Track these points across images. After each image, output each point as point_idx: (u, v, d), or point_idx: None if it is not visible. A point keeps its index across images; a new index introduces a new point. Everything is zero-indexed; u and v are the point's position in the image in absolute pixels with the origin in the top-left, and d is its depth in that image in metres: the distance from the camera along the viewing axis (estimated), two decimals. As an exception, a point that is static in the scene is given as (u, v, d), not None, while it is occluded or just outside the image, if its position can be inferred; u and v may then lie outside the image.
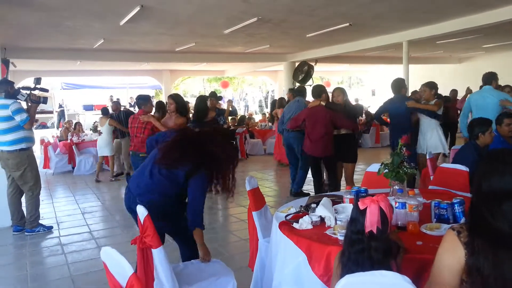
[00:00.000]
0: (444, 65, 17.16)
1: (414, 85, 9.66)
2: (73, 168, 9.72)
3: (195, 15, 7.15)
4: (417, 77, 11.03)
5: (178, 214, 2.85)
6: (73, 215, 6.16)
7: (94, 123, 10.42)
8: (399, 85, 6.05)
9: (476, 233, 1.47)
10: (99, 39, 9.31)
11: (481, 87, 6.21)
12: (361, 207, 1.75)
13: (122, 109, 9.28)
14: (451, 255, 1.50)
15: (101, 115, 8.68)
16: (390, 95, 6.25)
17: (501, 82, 8.39)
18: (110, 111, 9.02)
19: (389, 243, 1.75)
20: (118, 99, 9.57)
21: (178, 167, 2.69)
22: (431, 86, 6.04)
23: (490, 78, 5.77)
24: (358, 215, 1.76)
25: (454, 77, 15.96)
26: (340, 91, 5.89)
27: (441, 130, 5.91)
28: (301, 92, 6.94)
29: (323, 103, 5.60)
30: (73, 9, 6.45)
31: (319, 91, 5.81)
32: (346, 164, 5.82)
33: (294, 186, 6.55)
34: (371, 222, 1.71)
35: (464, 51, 14.46)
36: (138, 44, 10.39)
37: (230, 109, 8.99)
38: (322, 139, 5.48)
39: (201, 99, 7.04)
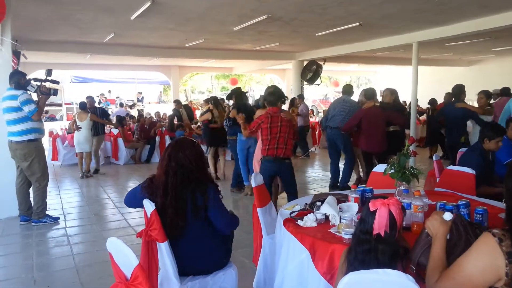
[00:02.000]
0: (454, 67, 17.03)
1: (422, 87, 9.62)
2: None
3: (206, 11, 7.16)
4: (426, 79, 10.96)
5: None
6: (80, 206, 6.23)
7: (74, 116, 10.07)
8: (459, 91, 6.64)
9: None
10: (109, 33, 9.35)
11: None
12: (372, 208, 1.75)
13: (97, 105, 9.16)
14: (488, 261, 1.45)
15: (79, 110, 8.57)
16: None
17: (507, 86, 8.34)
18: None
19: (396, 247, 1.75)
20: (90, 96, 9.15)
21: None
22: (487, 94, 6.76)
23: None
24: (367, 216, 1.76)
25: (463, 80, 15.68)
26: (388, 91, 6.56)
27: None
28: (348, 91, 7.15)
29: (377, 104, 6.33)
30: (84, 2, 6.48)
31: (372, 93, 6.51)
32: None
33: (341, 181, 6.90)
34: (379, 225, 1.71)
35: (473, 54, 14.34)
36: (148, 39, 10.42)
37: None
38: (379, 136, 6.03)
39: (243, 93, 6.93)
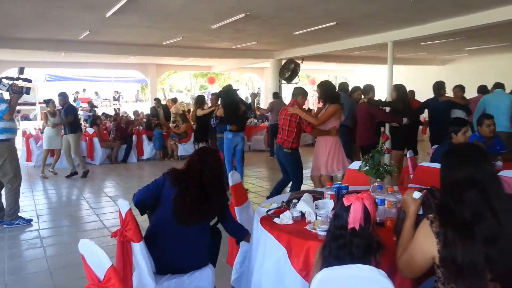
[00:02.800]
0: (428, 66, 17.39)
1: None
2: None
3: (183, 9, 7.09)
4: (402, 78, 11.15)
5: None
6: (53, 208, 6.09)
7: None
8: (439, 86, 7.00)
9: (446, 224, 1.59)
10: (84, 31, 9.16)
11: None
12: (346, 203, 1.78)
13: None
14: (424, 242, 1.64)
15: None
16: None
17: (484, 84, 8.59)
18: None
19: (370, 240, 1.78)
20: (63, 92, 8.57)
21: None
22: (462, 88, 7.29)
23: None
24: (342, 211, 1.80)
25: (437, 78, 16.07)
26: (393, 88, 6.72)
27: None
28: (345, 88, 7.31)
29: (365, 100, 6.56)
30: (58, -1, 6.35)
31: (368, 89, 6.76)
32: (394, 151, 6.40)
33: None
34: (354, 219, 1.74)
35: (447, 53, 14.67)
36: (124, 37, 10.27)
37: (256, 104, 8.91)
38: (362, 130, 6.18)
39: (231, 91, 6.89)
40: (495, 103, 6.83)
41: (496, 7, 7.18)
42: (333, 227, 1.82)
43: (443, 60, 17.21)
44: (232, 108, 6.48)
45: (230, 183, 3.14)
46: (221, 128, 6.74)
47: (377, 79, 17.74)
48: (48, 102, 8.43)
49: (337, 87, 6.83)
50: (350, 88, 7.51)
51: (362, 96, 6.82)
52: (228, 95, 6.76)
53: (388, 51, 9.64)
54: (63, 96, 8.39)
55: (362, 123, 6.26)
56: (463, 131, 3.94)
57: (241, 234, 2.87)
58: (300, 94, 5.26)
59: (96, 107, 16.19)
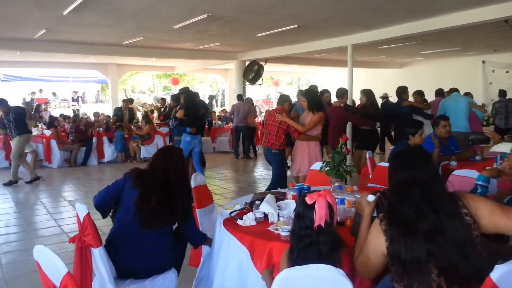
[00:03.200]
0: (386, 69, 17.97)
1: (358, 88, 10.05)
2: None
3: (143, 8, 6.97)
4: (361, 80, 11.48)
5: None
6: (9, 213, 5.83)
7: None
8: (401, 91, 7.31)
9: (391, 222, 1.68)
10: (40, 29, 8.83)
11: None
12: (309, 202, 1.79)
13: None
14: (374, 240, 1.72)
15: None
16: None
17: (438, 87, 8.97)
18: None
19: (335, 236, 1.82)
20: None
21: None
22: (420, 93, 7.55)
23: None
24: (305, 211, 1.80)
25: (395, 81, 16.65)
26: (361, 93, 6.90)
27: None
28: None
29: (341, 104, 6.79)
30: (11, -5, 6.09)
31: (342, 93, 6.99)
32: (358, 151, 6.86)
33: None
34: (320, 216, 1.76)
35: (404, 56, 15.21)
36: (83, 36, 9.97)
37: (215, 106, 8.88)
38: (334, 132, 6.42)
39: (193, 94, 6.91)
40: (454, 105, 7.16)
41: (446, 13, 7.55)
42: (298, 228, 1.83)
43: (401, 63, 17.83)
44: (193, 110, 6.48)
45: (193, 185, 3.12)
46: (179, 130, 6.68)
47: (338, 81, 18.16)
48: None
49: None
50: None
51: (336, 100, 7.03)
52: (189, 96, 6.73)
53: (348, 54, 9.89)
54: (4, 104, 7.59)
55: (334, 125, 6.54)
56: (419, 132, 4.14)
57: (199, 241, 2.81)
58: (286, 101, 5.60)
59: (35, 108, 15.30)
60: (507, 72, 14.01)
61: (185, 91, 7.08)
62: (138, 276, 2.46)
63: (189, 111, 6.46)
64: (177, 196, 2.52)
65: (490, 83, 14.59)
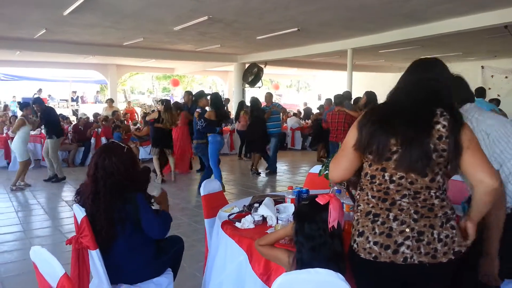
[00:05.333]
0: (386, 73, 18.00)
1: (357, 92, 10.08)
2: (9, 164, 9.16)
3: (143, 9, 6.98)
4: (360, 84, 11.52)
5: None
6: (6, 213, 5.81)
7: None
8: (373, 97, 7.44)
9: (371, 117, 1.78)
10: (40, 29, 8.83)
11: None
12: (322, 202, 1.78)
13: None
14: (349, 136, 1.83)
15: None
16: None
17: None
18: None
19: (341, 237, 1.83)
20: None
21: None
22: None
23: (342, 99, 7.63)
24: (315, 212, 1.78)
25: (394, 85, 16.76)
26: (364, 94, 7.20)
27: None
28: (348, 96, 8.37)
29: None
30: (11, -5, 6.10)
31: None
32: None
33: None
34: (334, 218, 1.75)
35: (404, 61, 15.24)
36: (83, 36, 9.97)
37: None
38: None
39: (220, 97, 7.12)
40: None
41: (442, 19, 7.58)
42: (309, 229, 1.79)
43: (400, 67, 17.84)
44: (223, 112, 6.82)
45: (202, 193, 3.06)
46: (201, 133, 6.63)
47: (338, 84, 18.19)
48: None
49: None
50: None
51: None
52: (219, 99, 6.90)
53: (347, 58, 9.90)
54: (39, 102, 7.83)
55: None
56: None
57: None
58: (345, 99, 7.03)
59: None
60: (506, 77, 14.05)
61: (201, 95, 7.18)
62: (130, 282, 2.42)
63: (220, 112, 6.66)
64: (126, 203, 2.35)
65: (489, 88, 14.63)
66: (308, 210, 1.83)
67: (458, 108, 1.96)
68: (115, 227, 2.33)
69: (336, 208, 1.76)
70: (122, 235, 2.36)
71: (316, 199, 1.81)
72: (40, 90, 18.89)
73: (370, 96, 6.90)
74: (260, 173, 8.78)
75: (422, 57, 1.99)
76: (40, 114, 7.72)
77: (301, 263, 1.79)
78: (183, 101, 8.92)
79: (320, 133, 10.51)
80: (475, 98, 2.38)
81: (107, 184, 2.35)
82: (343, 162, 1.83)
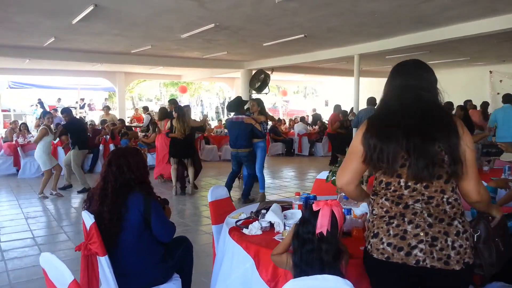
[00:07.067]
0: (394, 79, 17.92)
1: (364, 98, 10.07)
2: (18, 171, 9.26)
3: (151, 17, 7.05)
4: (367, 89, 11.47)
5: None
6: (16, 220, 5.86)
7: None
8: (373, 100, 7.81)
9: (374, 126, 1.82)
10: (49, 37, 8.94)
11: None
12: (315, 208, 1.82)
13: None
14: (354, 140, 1.88)
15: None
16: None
17: (446, 98, 8.94)
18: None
19: (338, 246, 1.82)
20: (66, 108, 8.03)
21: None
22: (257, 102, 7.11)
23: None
24: (310, 216, 1.82)
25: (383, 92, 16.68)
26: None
27: None
28: (373, 102, 8.59)
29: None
30: (23, 5, 6.16)
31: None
32: None
33: None
34: (321, 224, 1.77)
35: (411, 66, 15.18)
36: (91, 44, 10.08)
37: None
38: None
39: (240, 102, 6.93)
40: (505, 116, 7.65)
41: (452, 24, 7.55)
42: (302, 232, 1.84)
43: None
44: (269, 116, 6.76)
45: (210, 199, 3.07)
46: (248, 141, 6.55)
47: (345, 90, 18.17)
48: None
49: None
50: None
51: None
52: (263, 103, 6.90)
53: (354, 64, 9.90)
54: (67, 111, 7.90)
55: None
56: None
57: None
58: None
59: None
60: (515, 82, 13.95)
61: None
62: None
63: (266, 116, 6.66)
64: (135, 188, 2.45)
65: (498, 93, 14.52)
66: (307, 215, 1.88)
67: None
68: (120, 224, 2.38)
69: (325, 215, 1.79)
70: (128, 235, 2.40)
71: (313, 204, 1.86)
72: (59, 100, 19.11)
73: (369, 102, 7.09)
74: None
75: (403, 60, 2.03)
76: (63, 123, 7.73)
77: (295, 266, 1.83)
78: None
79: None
80: (503, 104, 2.55)
81: (118, 179, 2.43)
82: (350, 167, 1.87)
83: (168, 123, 7.49)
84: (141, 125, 12.85)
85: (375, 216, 1.83)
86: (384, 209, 1.80)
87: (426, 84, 1.90)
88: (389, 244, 1.75)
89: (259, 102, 6.84)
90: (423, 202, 1.74)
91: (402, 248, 1.72)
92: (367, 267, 1.88)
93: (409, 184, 1.75)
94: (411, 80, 1.89)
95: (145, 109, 13.21)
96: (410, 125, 1.72)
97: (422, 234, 1.71)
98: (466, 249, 1.72)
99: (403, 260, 1.72)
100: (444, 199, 1.74)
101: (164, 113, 8.32)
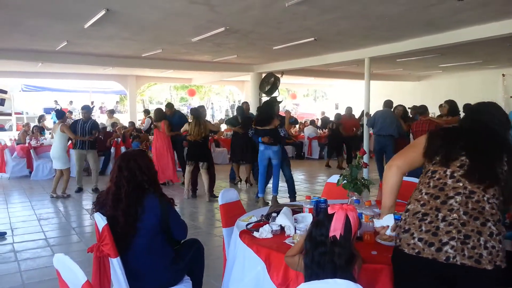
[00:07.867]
0: (404, 82, 17.82)
1: (374, 101, 10.01)
2: (31, 172, 9.38)
3: (161, 21, 7.11)
4: (378, 93, 11.44)
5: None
6: (29, 221, 5.93)
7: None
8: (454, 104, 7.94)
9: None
10: (62, 41, 9.06)
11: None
12: (330, 211, 1.82)
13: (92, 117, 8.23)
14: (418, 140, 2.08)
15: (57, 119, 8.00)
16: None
17: (457, 100, 8.86)
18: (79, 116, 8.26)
19: (351, 251, 1.81)
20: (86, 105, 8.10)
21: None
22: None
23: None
24: (325, 219, 1.83)
25: (413, 94, 16.60)
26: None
27: None
28: (389, 105, 8.70)
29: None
30: (36, 9, 6.26)
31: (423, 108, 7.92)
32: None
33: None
34: (335, 228, 1.77)
35: (422, 69, 15.09)
36: (102, 48, 10.19)
37: (290, 119, 8.05)
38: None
39: (268, 104, 6.80)
40: None
41: (463, 27, 7.49)
42: (315, 234, 1.83)
43: (419, 76, 17.67)
44: (263, 120, 6.38)
45: (220, 202, 3.08)
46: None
47: (355, 93, 18.09)
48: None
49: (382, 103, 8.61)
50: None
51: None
52: (262, 107, 6.93)
53: (365, 67, 9.86)
54: (87, 108, 8.06)
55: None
56: None
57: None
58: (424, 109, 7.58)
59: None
60: (528, 85, 13.78)
61: (268, 101, 7.05)
62: None
63: (259, 121, 6.47)
64: (150, 190, 2.49)
65: (511, 96, 14.35)
66: (321, 217, 1.90)
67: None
68: (135, 226, 2.40)
69: (340, 219, 1.78)
70: (142, 237, 2.42)
71: (328, 208, 1.87)
72: (71, 102, 19.34)
73: (452, 104, 7.50)
74: (252, 184, 8.46)
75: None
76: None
77: (306, 267, 1.83)
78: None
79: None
80: None
81: (130, 185, 2.45)
82: (410, 154, 2.04)
83: (186, 126, 7.39)
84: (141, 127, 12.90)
85: (407, 213, 1.89)
86: (421, 202, 1.85)
87: (497, 121, 2.02)
88: (420, 239, 1.77)
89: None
90: (464, 195, 1.78)
91: (433, 244, 1.73)
92: (396, 264, 1.91)
93: (455, 174, 1.81)
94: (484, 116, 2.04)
95: (146, 112, 13.23)
96: (478, 142, 1.89)
97: (454, 231, 1.73)
98: (498, 252, 1.71)
99: (433, 255, 1.73)
100: (485, 198, 1.76)
101: (160, 114, 8.31)
